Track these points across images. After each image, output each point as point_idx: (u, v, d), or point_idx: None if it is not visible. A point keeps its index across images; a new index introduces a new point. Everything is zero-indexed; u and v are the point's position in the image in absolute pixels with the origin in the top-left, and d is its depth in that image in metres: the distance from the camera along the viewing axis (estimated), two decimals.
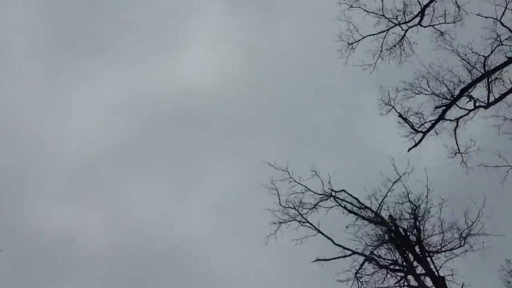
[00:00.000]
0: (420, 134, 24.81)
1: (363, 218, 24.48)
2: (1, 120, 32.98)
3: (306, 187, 24.66)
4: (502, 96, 23.63)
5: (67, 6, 36.24)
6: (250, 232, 33.69)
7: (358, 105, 32.37)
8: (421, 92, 24.40)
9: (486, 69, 23.39)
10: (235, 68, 36.12)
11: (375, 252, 24.31)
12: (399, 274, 24.01)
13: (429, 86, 24.21)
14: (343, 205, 24.61)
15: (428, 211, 24.10)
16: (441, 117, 24.41)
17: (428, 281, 23.04)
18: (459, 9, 23.95)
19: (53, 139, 34.29)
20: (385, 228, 24.18)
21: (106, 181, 34.52)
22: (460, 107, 24.32)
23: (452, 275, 23.14)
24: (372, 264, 24.26)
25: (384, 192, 24.34)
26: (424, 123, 24.68)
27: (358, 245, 24.20)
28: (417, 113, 24.70)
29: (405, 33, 24.70)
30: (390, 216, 24.45)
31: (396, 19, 24.53)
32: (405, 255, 23.78)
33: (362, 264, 24.10)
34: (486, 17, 23.25)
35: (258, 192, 33.78)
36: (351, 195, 24.67)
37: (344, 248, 24.23)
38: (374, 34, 24.87)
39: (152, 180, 34.58)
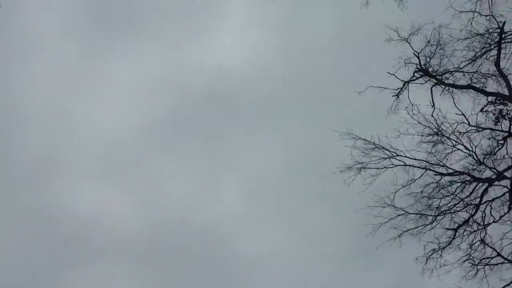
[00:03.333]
0: None
1: None
2: (33, 101, 33.32)
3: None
4: None
5: None
6: (282, 214, 33.55)
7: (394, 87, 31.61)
8: None
9: None
10: (268, 50, 35.79)
11: None
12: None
13: None
14: None
15: None
16: None
17: None
18: None
19: (85, 120, 34.52)
20: None
21: (138, 162, 34.62)
22: None
23: None
24: None
25: None
26: None
27: None
28: None
29: None
30: None
31: None
32: None
33: None
34: None
35: (290, 174, 33.69)
36: None
37: None
38: None
39: (184, 162, 34.60)
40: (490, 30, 22.52)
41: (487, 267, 22.70)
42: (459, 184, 22.85)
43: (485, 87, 23.09)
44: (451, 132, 22.98)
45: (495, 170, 22.33)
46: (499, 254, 22.50)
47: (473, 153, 22.79)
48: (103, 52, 34.71)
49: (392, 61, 25.29)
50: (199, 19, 36.43)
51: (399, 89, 24.64)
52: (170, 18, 36.18)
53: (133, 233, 32.86)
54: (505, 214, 22.34)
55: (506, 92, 22.14)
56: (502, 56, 22.52)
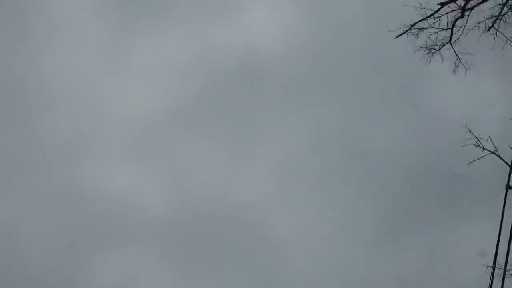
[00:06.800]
0: None
1: None
2: (62, 81, 33.29)
3: None
4: None
5: None
6: (310, 196, 33.41)
7: (422, 67, 31.22)
8: None
9: None
10: (298, 30, 35.37)
11: None
12: None
13: None
14: None
15: None
16: None
17: None
18: None
19: (114, 100, 34.44)
20: None
21: (166, 143, 34.54)
22: None
23: None
24: None
25: None
26: None
27: None
28: None
29: None
30: None
31: None
32: None
33: None
34: None
35: (318, 154, 33.54)
36: None
37: None
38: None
39: (212, 142, 34.48)
40: None
41: None
42: None
43: None
44: None
45: None
46: None
47: None
48: (131, 31, 34.51)
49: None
50: None
51: None
52: None
53: (161, 214, 32.91)
54: None
55: None
56: None
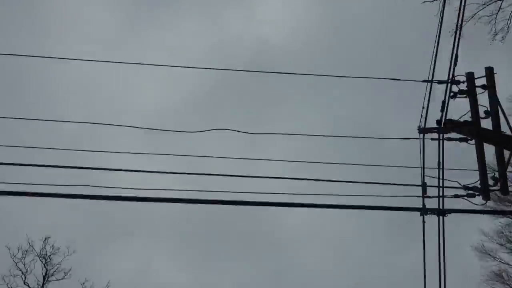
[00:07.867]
0: None
1: None
2: (74, 70, 33.31)
3: None
4: None
5: None
6: (325, 189, 33.25)
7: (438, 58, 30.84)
8: None
9: None
10: (311, 22, 35.13)
11: None
12: None
13: None
14: None
15: None
16: None
17: None
18: None
19: (127, 92, 34.48)
20: None
21: (179, 135, 34.49)
22: None
23: None
24: None
25: None
26: None
27: None
28: None
29: None
30: None
31: None
32: None
33: None
34: None
35: (336, 148, 33.28)
36: None
37: None
38: None
39: (226, 134, 34.37)
40: None
41: None
42: None
43: None
44: None
45: None
46: None
47: None
48: (144, 23, 34.48)
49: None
50: None
51: None
52: None
53: (175, 207, 32.96)
54: None
55: None
56: None
